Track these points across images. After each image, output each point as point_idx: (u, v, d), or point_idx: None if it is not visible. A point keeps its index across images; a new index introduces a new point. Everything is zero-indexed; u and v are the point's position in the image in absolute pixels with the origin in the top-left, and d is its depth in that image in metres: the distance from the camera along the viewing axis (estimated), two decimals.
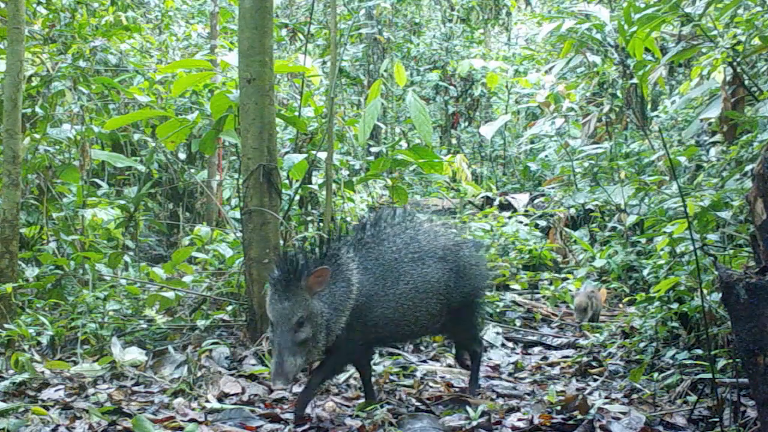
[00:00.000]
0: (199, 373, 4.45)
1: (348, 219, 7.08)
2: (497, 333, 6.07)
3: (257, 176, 5.07)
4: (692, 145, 7.01)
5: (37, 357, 4.71)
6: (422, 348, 5.62)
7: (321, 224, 6.10)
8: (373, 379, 4.31)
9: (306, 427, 3.83)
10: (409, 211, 4.45)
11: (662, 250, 4.79)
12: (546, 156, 9.94)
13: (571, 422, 3.78)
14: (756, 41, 5.28)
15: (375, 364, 4.91)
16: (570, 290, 6.67)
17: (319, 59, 10.15)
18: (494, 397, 4.51)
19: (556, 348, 5.92)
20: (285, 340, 3.67)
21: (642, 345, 4.92)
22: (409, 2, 13.59)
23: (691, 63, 7.44)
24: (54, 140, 6.43)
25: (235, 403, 4.15)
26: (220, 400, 4.22)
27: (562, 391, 4.38)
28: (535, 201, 9.82)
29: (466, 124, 13.90)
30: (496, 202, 9.64)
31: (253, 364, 4.75)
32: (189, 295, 6.04)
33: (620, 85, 8.57)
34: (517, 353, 5.79)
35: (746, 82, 5.65)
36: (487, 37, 15.46)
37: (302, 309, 3.73)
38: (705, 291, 3.90)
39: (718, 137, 6.21)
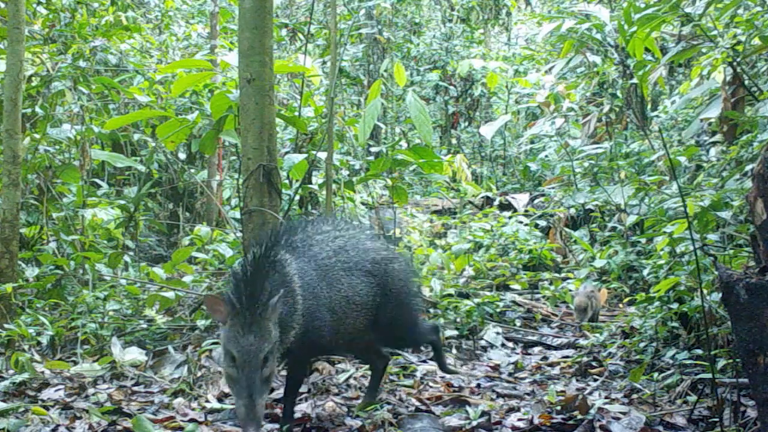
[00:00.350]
0: (199, 373, 4.45)
1: (348, 219, 7.08)
2: (497, 333, 6.07)
3: (257, 176, 5.07)
4: (692, 145, 7.01)
5: (37, 357, 4.71)
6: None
7: None
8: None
9: (306, 427, 3.83)
10: (341, 218, 4.21)
11: (662, 250, 4.79)
12: (546, 156, 9.94)
13: (571, 422, 3.78)
14: (756, 41, 5.28)
15: None
16: (570, 290, 6.68)
17: (319, 59, 10.15)
18: (494, 397, 4.51)
19: (556, 348, 5.92)
20: (253, 380, 3.28)
21: (642, 345, 4.92)
22: (409, 2, 13.59)
23: (691, 63, 7.44)
24: (54, 140, 6.43)
25: (234, 403, 4.14)
26: (220, 400, 4.22)
27: (562, 391, 4.38)
28: (535, 201, 9.82)
29: (466, 124, 13.91)
30: (496, 202, 9.64)
31: None
32: (189, 295, 6.04)
33: (620, 85, 8.57)
34: (517, 353, 5.79)
35: (746, 82, 5.65)
36: (487, 37, 15.46)
37: (268, 342, 3.34)
38: (705, 291, 3.89)
39: (718, 137, 6.21)
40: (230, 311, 3.33)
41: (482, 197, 10.35)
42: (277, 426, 3.84)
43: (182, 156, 8.73)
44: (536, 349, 5.94)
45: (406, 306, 4.17)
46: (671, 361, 4.52)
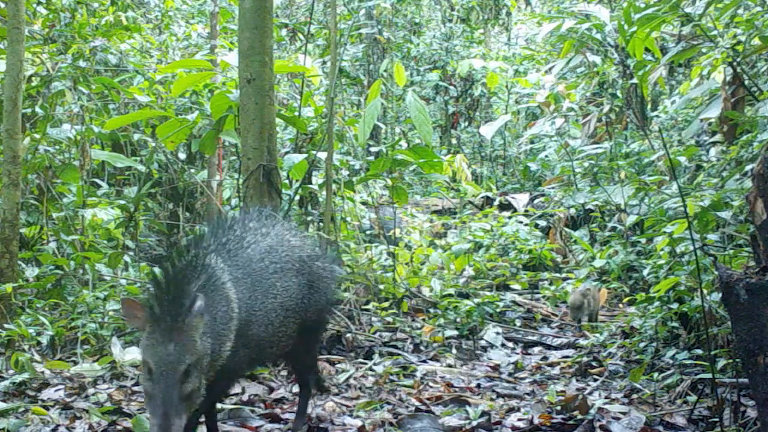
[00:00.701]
0: None
1: (348, 219, 7.08)
2: (497, 333, 6.08)
3: (257, 176, 5.07)
4: (692, 145, 7.01)
5: (37, 357, 4.71)
6: (422, 348, 5.63)
7: (321, 224, 6.10)
8: (371, 380, 4.28)
9: (306, 426, 3.83)
10: (267, 213, 3.79)
11: (662, 250, 4.79)
12: (546, 156, 9.94)
13: (571, 422, 3.78)
14: (756, 41, 5.28)
15: (375, 364, 4.92)
16: (570, 290, 6.68)
17: (319, 59, 10.14)
18: (494, 397, 4.51)
19: (556, 348, 5.93)
20: (170, 396, 2.83)
21: (642, 345, 4.93)
22: (409, 2, 13.59)
23: (691, 63, 7.44)
24: (54, 140, 6.42)
25: (235, 403, 4.15)
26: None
27: (562, 391, 4.39)
28: (535, 201, 9.83)
29: (466, 124, 13.91)
30: (496, 202, 9.65)
31: None
32: None
33: (620, 85, 8.57)
34: (517, 353, 5.80)
35: (746, 82, 5.64)
36: (487, 37, 15.47)
37: (191, 354, 2.91)
38: (705, 291, 3.90)
39: (718, 137, 6.21)
40: (149, 317, 2.93)
41: (482, 197, 10.35)
42: (277, 426, 3.85)
43: (182, 156, 8.72)
44: (536, 349, 5.94)
45: (327, 314, 3.91)
46: (671, 361, 4.52)
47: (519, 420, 3.92)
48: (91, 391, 4.23)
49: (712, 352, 3.92)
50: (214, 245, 3.33)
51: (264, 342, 3.40)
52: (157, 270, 3.09)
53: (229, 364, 3.19)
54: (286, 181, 6.03)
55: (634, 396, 4.34)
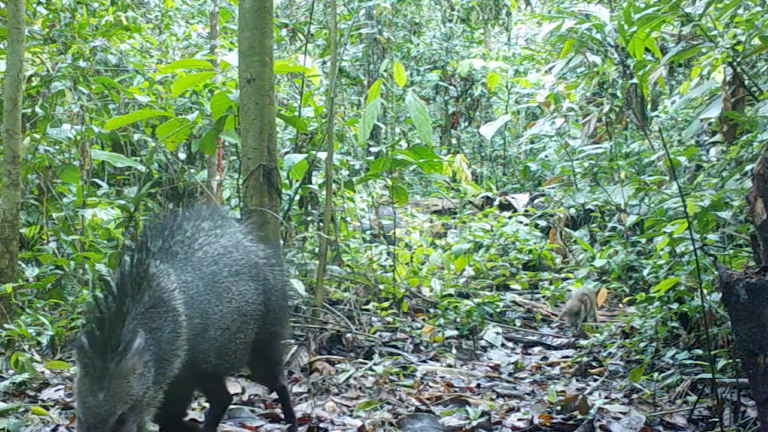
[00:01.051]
0: None
1: (348, 219, 7.08)
2: (497, 333, 6.08)
3: (257, 176, 5.07)
4: (692, 145, 7.01)
5: (37, 357, 4.71)
6: (422, 348, 5.63)
7: (321, 224, 6.10)
8: (371, 380, 4.27)
9: (306, 426, 3.83)
10: (220, 213, 3.54)
11: (662, 250, 4.79)
12: (546, 156, 9.94)
13: (571, 422, 3.78)
14: (756, 41, 5.28)
15: (375, 364, 4.92)
16: (569, 290, 6.69)
17: (319, 59, 10.14)
18: (494, 397, 4.51)
19: (556, 348, 5.93)
20: None
21: (642, 345, 4.93)
22: (409, 2, 13.59)
23: (691, 63, 7.44)
24: (54, 140, 6.42)
25: (235, 403, 4.14)
26: None
27: (562, 391, 4.39)
28: (535, 201, 9.83)
29: (466, 124, 13.91)
30: (496, 202, 9.65)
31: None
32: None
33: (620, 85, 8.57)
34: (517, 353, 5.80)
35: (746, 82, 5.65)
36: (487, 37, 15.46)
37: (124, 402, 2.61)
38: (705, 291, 3.90)
39: (718, 137, 6.21)
40: (79, 358, 2.61)
41: (482, 197, 10.35)
42: (277, 426, 3.84)
43: (182, 156, 8.72)
44: (536, 349, 5.94)
45: (284, 320, 3.67)
46: (671, 361, 4.53)
47: (519, 420, 3.92)
48: None
49: (712, 352, 3.92)
50: (160, 249, 3.02)
51: (222, 348, 3.14)
52: (94, 296, 2.77)
53: (177, 381, 2.90)
54: (286, 181, 6.03)
55: (634, 396, 4.34)
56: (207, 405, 4.06)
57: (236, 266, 3.25)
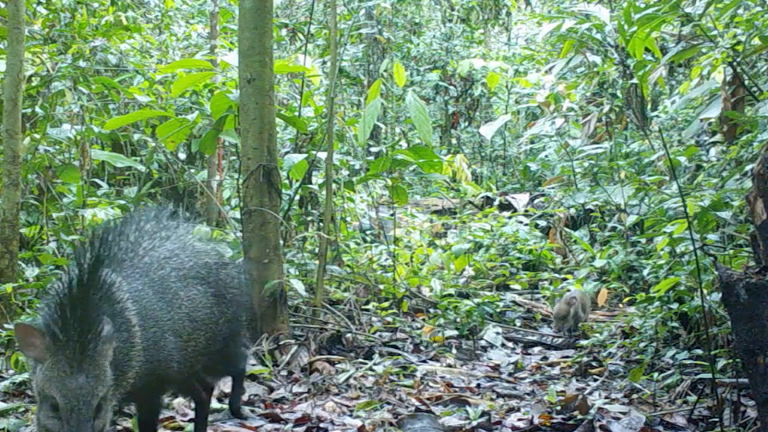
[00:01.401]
0: None
1: (348, 219, 7.08)
2: (497, 333, 6.08)
3: (257, 176, 5.07)
4: (692, 145, 7.01)
5: None
6: (422, 348, 5.63)
7: (321, 224, 6.10)
8: (371, 380, 4.25)
9: (306, 426, 3.83)
10: (166, 213, 3.38)
11: (662, 250, 4.79)
12: (546, 156, 9.94)
13: (571, 422, 3.78)
14: (756, 41, 5.28)
15: (375, 364, 4.92)
16: (570, 290, 6.69)
17: (319, 59, 10.14)
18: (494, 397, 4.51)
19: (556, 348, 5.93)
20: None
21: (642, 345, 4.93)
22: (409, 2, 13.59)
23: (691, 63, 7.44)
24: (54, 140, 6.42)
25: None
26: (220, 400, 4.21)
27: (562, 391, 4.39)
28: (535, 201, 9.83)
29: (466, 124, 13.91)
30: (496, 202, 9.65)
31: (253, 364, 4.75)
32: None
33: (620, 85, 8.57)
34: (517, 353, 5.80)
35: (746, 82, 5.65)
36: (487, 37, 15.47)
37: (103, 385, 2.59)
38: (705, 291, 3.90)
39: (718, 137, 6.21)
40: (51, 345, 2.55)
41: (482, 197, 10.36)
42: (278, 426, 3.85)
43: (182, 156, 8.73)
44: (536, 349, 5.95)
45: (239, 322, 3.54)
46: (671, 361, 4.53)
47: (519, 420, 3.92)
48: None
49: (712, 352, 3.92)
50: (107, 257, 2.84)
51: (180, 355, 3.03)
52: (56, 288, 2.68)
53: (139, 390, 2.85)
54: (286, 181, 6.04)
55: (634, 396, 4.35)
56: (210, 405, 4.06)
57: (184, 270, 3.14)
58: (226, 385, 4.36)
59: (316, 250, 6.09)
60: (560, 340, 6.07)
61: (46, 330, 2.55)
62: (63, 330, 2.55)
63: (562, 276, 7.25)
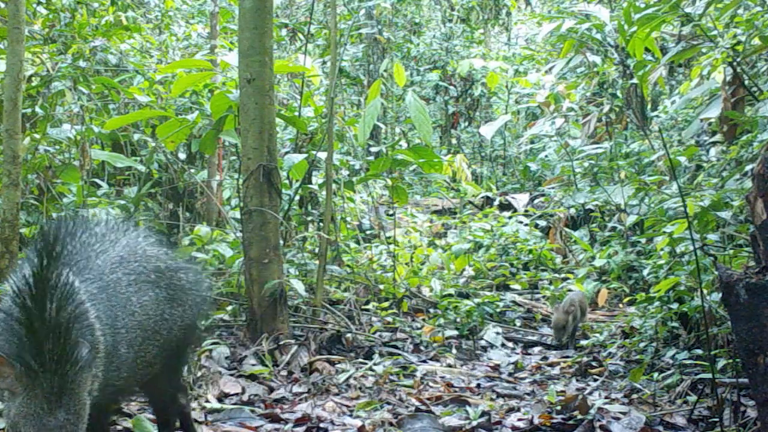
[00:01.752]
0: (199, 373, 4.45)
1: (348, 219, 7.07)
2: (497, 333, 6.08)
3: (257, 176, 5.07)
4: (692, 145, 7.01)
5: None
6: (422, 348, 5.63)
7: (321, 224, 6.10)
8: (371, 380, 4.24)
9: (306, 426, 3.83)
10: (115, 217, 3.14)
11: (662, 250, 4.79)
12: (546, 156, 9.94)
13: (571, 422, 3.78)
14: (756, 41, 5.28)
15: (375, 364, 4.92)
16: (570, 290, 6.68)
17: (319, 59, 10.15)
18: (494, 397, 4.51)
19: (556, 348, 5.93)
20: None
21: (642, 345, 4.93)
22: (409, 2, 13.59)
23: (691, 63, 7.44)
24: (54, 140, 6.42)
25: (235, 403, 4.15)
26: (220, 400, 4.22)
27: (562, 391, 4.39)
28: (535, 201, 9.83)
29: (466, 124, 13.91)
30: (496, 202, 9.65)
31: (253, 364, 4.75)
32: None
33: (620, 85, 8.57)
34: (517, 353, 5.80)
35: (746, 82, 5.65)
36: (487, 37, 15.46)
37: (83, 421, 2.37)
38: (705, 291, 3.90)
39: (718, 137, 6.22)
40: (23, 375, 2.31)
41: (482, 197, 10.36)
42: (278, 426, 3.85)
43: (182, 156, 8.72)
44: (536, 349, 5.94)
45: (195, 334, 3.39)
46: (671, 361, 4.53)
47: (519, 420, 3.92)
48: None
49: (712, 352, 3.92)
50: (65, 257, 2.63)
51: (128, 366, 2.83)
52: (24, 303, 2.36)
53: (100, 397, 2.61)
54: (286, 181, 6.04)
55: (634, 396, 4.35)
56: (210, 405, 4.07)
57: (134, 274, 2.93)
58: (226, 385, 4.37)
59: (316, 250, 6.09)
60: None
61: (19, 359, 2.30)
62: (38, 358, 2.30)
63: (562, 276, 7.25)
